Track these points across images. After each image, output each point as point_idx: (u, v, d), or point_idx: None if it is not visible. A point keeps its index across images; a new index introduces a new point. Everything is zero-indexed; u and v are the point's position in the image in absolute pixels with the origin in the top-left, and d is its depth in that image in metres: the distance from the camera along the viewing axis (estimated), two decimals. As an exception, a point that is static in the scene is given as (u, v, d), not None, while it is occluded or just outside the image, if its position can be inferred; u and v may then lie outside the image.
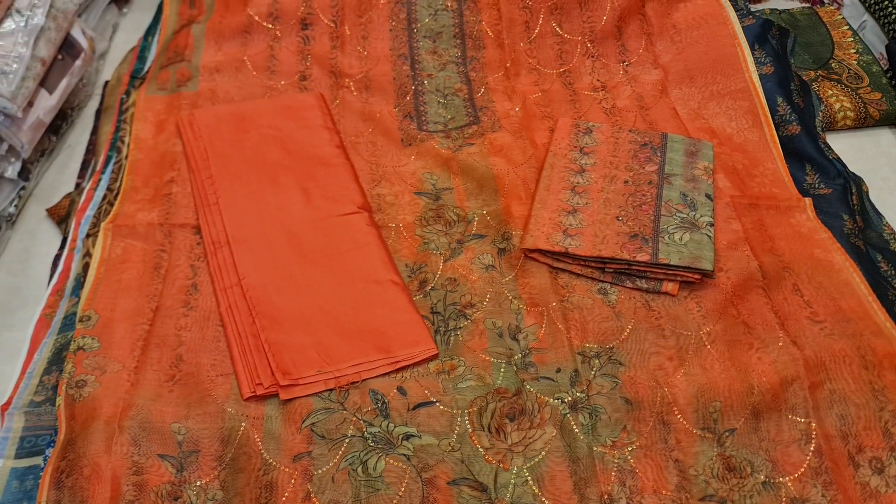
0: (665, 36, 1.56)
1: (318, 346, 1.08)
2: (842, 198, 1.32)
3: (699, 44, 1.53)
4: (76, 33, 1.48)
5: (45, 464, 0.97)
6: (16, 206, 1.35)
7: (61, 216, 1.35)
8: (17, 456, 1.00)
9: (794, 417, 1.00)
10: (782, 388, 1.02)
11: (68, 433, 0.97)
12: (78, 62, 1.47)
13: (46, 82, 1.38)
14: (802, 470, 0.97)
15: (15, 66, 1.25)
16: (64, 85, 1.42)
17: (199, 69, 1.51)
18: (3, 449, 1.00)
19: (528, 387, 1.04)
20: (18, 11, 1.31)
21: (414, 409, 1.02)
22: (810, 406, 1.00)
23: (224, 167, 1.32)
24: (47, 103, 1.38)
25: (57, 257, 1.30)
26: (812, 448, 0.98)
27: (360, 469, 0.96)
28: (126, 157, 1.37)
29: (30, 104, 1.34)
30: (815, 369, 1.04)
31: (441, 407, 1.02)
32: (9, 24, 1.29)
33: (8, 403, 1.06)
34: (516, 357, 1.08)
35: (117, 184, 1.33)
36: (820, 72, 1.58)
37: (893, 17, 1.59)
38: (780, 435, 0.99)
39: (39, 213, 1.39)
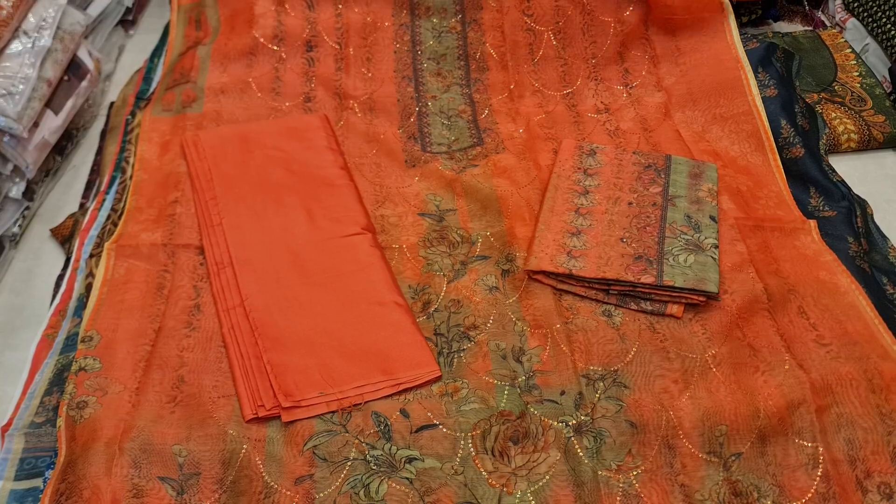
0: (668, 59, 1.57)
1: (320, 367, 1.07)
2: (846, 220, 1.31)
3: (702, 67, 1.54)
4: (82, 55, 1.49)
5: (44, 486, 0.96)
6: (20, 226, 1.36)
7: (65, 236, 1.35)
8: (17, 478, 0.99)
9: (800, 441, 0.99)
10: (789, 412, 1.01)
11: (68, 455, 0.97)
12: (84, 83, 1.48)
13: (52, 103, 1.39)
14: (810, 495, 0.95)
15: (21, 86, 1.26)
16: (69, 106, 1.43)
17: (204, 90, 1.52)
18: (3, 470, 1.00)
19: (531, 409, 1.03)
20: (25, 33, 1.32)
21: (417, 431, 1.01)
22: (817, 430, 0.99)
23: (228, 188, 1.32)
24: (53, 124, 1.39)
25: (60, 277, 1.30)
26: (819, 473, 0.97)
27: (362, 492, 0.95)
28: (130, 177, 1.38)
29: (35, 124, 1.34)
30: (822, 393, 1.03)
31: (444, 430, 1.01)
32: (16, 46, 1.30)
33: (8, 424, 1.06)
34: (520, 379, 1.07)
35: (121, 204, 1.34)
36: (823, 94, 1.58)
37: (896, 40, 1.60)
38: (787, 459, 0.98)
39: (43, 233, 1.39)
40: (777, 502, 0.95)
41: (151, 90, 1.59)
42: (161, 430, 1.00)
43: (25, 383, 1.13)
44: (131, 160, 1.42)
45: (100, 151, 1.54)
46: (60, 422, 1.00)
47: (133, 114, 1.54)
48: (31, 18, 1.33)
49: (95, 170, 1.50)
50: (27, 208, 1.37)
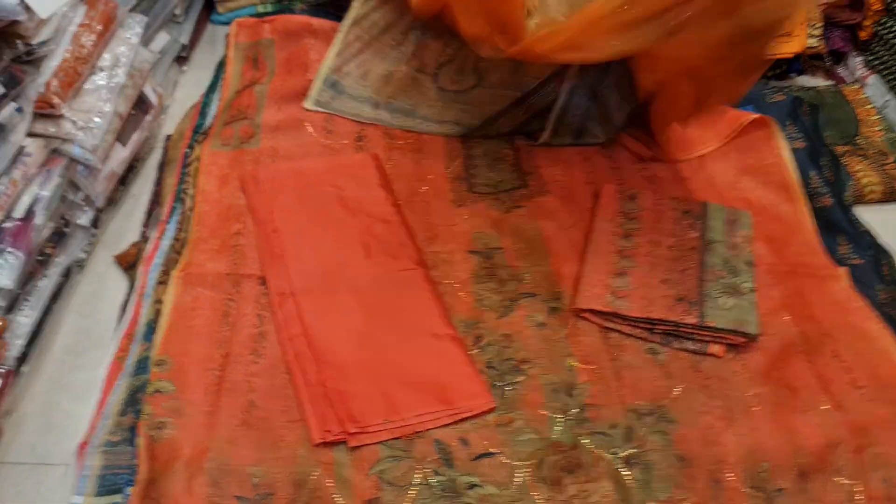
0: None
1: (382, 396, 1.13)
2: (874, 269, 1.38)
3: (733, 119, 1.62)
4: (148, 90, 1.56)
5: (124, 501, 1.01)
6: (86, 252, 1.42)
7: (129, 263, 1.41)
8: (98, 493, 1.04)
9: (839, 479, 1.05)
10: (828, 451, 1.07)
11: (150, 473, 1.02)
12: (148, 117, 1.56)
13: (121, 136, 1.46)
14: (850, 530, 1.01)
15: (98, 120, 1.33)
16: (136, 138, 1.50)
17: (260, 127, 1.59)
18: (84, 486, 1.05)
19: (583, 441, 1.09)
20: (102, 69, 1.39)
21: (476, 459, 1.07)
22: (855, 469, 1.05)
23: (288, 221, 1.38)
24: (120, 155, 1.46)
25: (125, 302, 1.35)
26: (858, 509, 1.03)
27: (428, 516, 1.01)
28: (191, 208, 1.44)
29: (106, 156, 1.41)
30: (859, 433, 1.09)
31: (502, 458, 1.07)
32: (94, 82, 1.37)
33: (85, 442, 1.11)
34: (572, 412, 1.13)
35: (183, 234, 1.40)
36: (847, 147, 1.66)
37: (916, 98, 1.69)
38: (827, 496, 1.04)
39: (106, 259, 1.45)
40: (818, 537, 1.01)
41: (207, 124, 1.66)
42: (236, 451, 1.06)
43: (99, 403, 1.18)
44: (190, 191, 1.48)
45: (158, 182, 1.60)
46: (140, 441, 1.05)
47: (191, 147, 1.60)
48: (107, 56, 1.41)
49: (155, 200, 1.57)
50: (94, 235, 1.44)
